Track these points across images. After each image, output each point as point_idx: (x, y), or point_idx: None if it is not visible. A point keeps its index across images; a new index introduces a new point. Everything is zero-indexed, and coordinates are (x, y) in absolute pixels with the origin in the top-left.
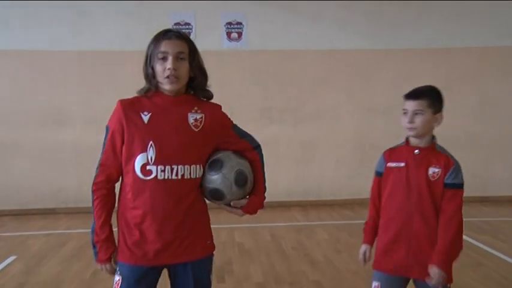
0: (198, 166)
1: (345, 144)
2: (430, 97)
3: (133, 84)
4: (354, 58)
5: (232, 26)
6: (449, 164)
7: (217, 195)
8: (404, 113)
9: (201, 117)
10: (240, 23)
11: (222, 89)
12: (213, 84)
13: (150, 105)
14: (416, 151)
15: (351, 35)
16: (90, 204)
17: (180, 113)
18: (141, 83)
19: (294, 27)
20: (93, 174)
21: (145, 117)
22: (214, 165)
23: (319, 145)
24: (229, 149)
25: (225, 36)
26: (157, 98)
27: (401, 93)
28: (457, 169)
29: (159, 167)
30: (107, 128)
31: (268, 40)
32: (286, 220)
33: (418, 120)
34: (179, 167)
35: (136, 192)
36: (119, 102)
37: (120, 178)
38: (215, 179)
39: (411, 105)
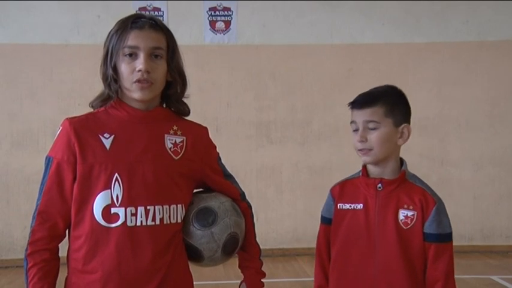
0: (179, 206)
1: None
2: (387, 101)
3: (79, 89)
4: (382, 55)
5: (217, 13)
6: (429, 202)
7: (192, 255)
8: (354, 128)
9: (182, 141)
10: (228, 9)
11: (203, 97)
12: (191, 91)
13: (111, 123)
14: (378, 185)
15: (378, 24)
16: (23, 268)
17: (154, 133)
18: (90, 87)
19: (301, 14)
20: (28, 225)
21: (107, 141)
22: (204, 216)
23: (336, 172)
24: (216, 190)
25: (208, 26)
26: (120, 113)
27: (448, 101)
28: (441, 211)
29: (128, 210)
30: (49, 160)
31: (267, 32)
32: (291, 274)
33: (373, 136)
34: (156, 208)
35: (94, 246)
36: (67, 121)
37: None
38: (199, 235)
39: (360, 115)
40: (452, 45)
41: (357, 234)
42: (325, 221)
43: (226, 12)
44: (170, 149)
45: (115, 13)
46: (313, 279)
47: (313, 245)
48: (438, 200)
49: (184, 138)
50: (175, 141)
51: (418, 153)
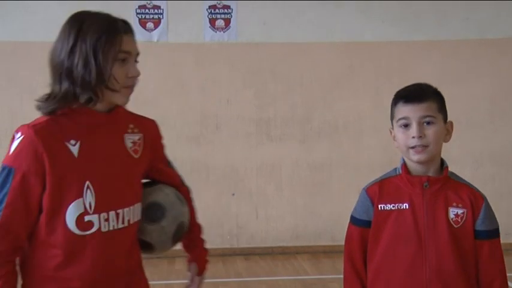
0: (138, 204)
1: (370, 169)
2: (437, 96)
3: None
4: (382, 53)
5: (217, 11)
6: (478, 199)
7: (143, 248)
8: (404, 124)
9: (140, 139)
10: (228, 7)
11: (203, 94)
12: (192, 88)
13: (75, 128)
14: (425, 183)
15: (377, 22)
16: None
17: (114, 135)
18: None
19: (301, 12)
20: None
21: (74, 148)
22: (153, 212)
23: (335, 170)
24: (158, 179)
25: (208, 24)
26: (82, 117)
27: (448, 99)
28: (489, 206)
29: (101, 216)
30: (10, 170)
31: (266, 30)
32: (290, 272)
33: (430, 132)
34: (125, 210)
35: (71, 255)
36: (31, 130)
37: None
38: (150, 231)
39: (417, 110)
40: (452, 43)
41: (405, 234)
42: (361, 223)
43: (226, 10)
44: (130, 148)
45: (115, 11)
46: (313, 277)
47: (313, 243)
48: (484, 196)
49: (141, 135)
50: (134, 140)
51: None
